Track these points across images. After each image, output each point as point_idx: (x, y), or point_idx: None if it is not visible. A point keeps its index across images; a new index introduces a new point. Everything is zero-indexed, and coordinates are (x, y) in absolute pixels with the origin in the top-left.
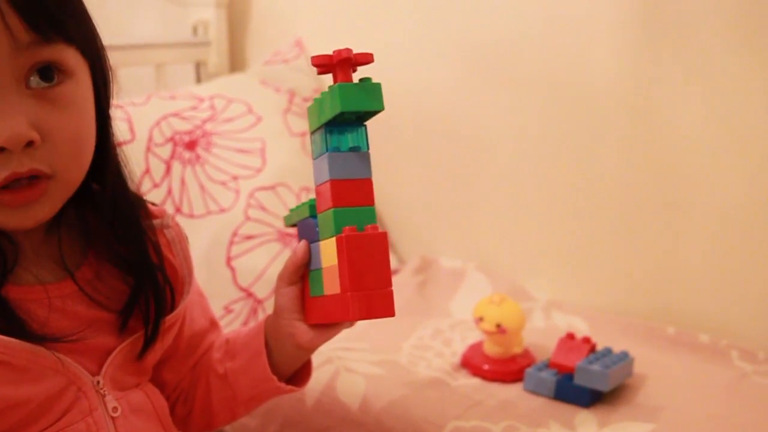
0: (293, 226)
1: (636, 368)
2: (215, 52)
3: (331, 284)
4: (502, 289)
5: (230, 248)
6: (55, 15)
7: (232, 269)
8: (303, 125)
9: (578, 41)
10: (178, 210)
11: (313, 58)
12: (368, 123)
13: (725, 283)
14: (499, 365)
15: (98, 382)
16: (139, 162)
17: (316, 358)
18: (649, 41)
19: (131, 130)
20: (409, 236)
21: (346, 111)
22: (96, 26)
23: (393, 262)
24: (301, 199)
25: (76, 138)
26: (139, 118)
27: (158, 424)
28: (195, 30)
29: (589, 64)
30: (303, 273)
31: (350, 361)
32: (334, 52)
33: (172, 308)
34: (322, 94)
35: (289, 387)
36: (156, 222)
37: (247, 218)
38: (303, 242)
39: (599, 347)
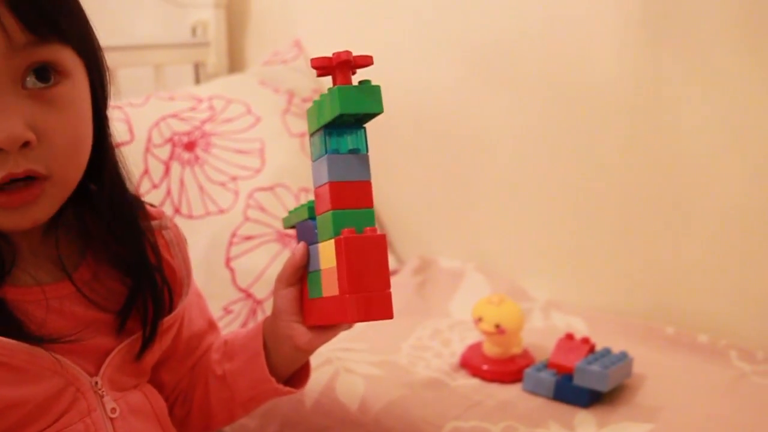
0: (292, 227)
1: (635, 368)
2: (214, 52)
3: (329, 286)
4: (501, 289)
5: (229, 249)
6: (51, 15)
7: (232, 270)
8: (302, 126)
9: (578, 41)
10: (177, 211)
11: (312, 60)
12: (367, 123)
13: (724, 283)
14: (498, 365)
15: (96, 383)
16: (138, 163)
17: (315, 358)
18: (649, 41)
19: (130, 131)
20: (408, 236)
21: (346, 113)
22: (93, 27)
23: (392, 263)
24: (300, 199)
25: (72, 138)
26: (138, 119)
27: (157, 424)
28: (194, 31)
29: (589, 63)
30: (302, 275)
31: (349, 361)
32: (333, 54)
33: (171, 309)
34: (321, 96)
35: (288, 388)
36: (154, 223)
37: (246, 219)
38: (302, 244)
39: (598, 347)
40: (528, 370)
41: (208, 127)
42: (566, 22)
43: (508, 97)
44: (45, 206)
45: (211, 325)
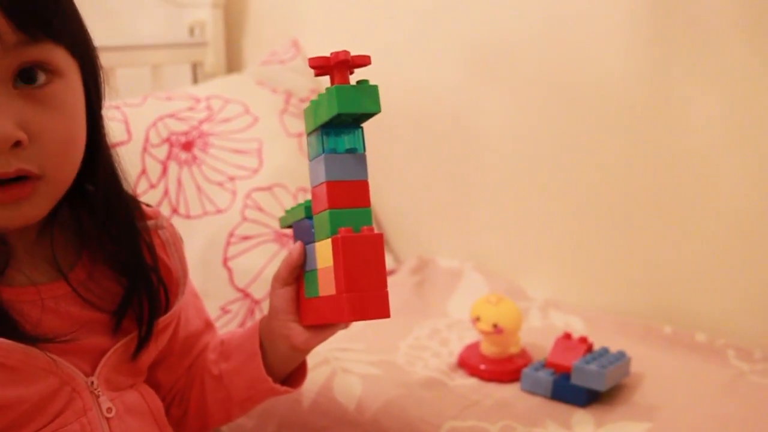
0: (289, 227)
1: (633, 368)
2: (212, 52)
3: (326, 285)
4: (499, 288)
5: (227, 249)
6: (43, 15)
7: (229, 270)
8: (300, 126)
9: (579, 40)
10: (174, 211)
11: (310, 59)
12: (366, 122)
13: (722, 282)
14: (496, 365)
15: (92, 383)
16: (136, 163)
17: (313, 358)
18: (649, 41)
19: (128, 131)
20: (406, 236)
21: (343, 113)
22: (90, 26)
23: (390, 262)
24: (297, 199)
25: (65, 138)
26: (136, 119)
27: (153, 424)
28: (192, 30)
29: (588, 63)
30: (298, 274)
31: (347, 361)
32: (331, 54)
33: (167, 309)
34: (319, 95)
35: (284, 388)
36: (150, 223)
37: (244, 219)
38: (298, 243)
39: (596, 347)
40: (526, 370)
41: (205, 127)
42: (568, 21)
43: (507, 97)
44: (37, 204)
45: (208, 325)
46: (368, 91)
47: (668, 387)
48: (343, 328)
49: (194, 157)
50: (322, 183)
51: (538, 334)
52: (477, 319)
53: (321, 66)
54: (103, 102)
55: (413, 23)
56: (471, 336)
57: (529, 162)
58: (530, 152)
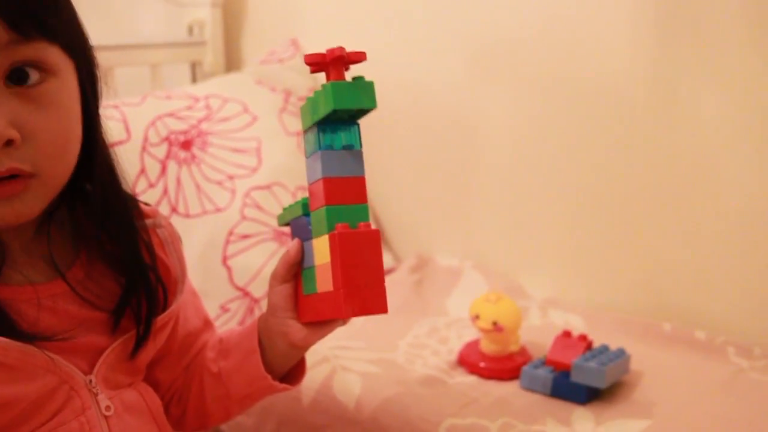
0: (286, 225)
1: (632, 365)
2: (211, 51)
3: (324, 282)
4: (498, 287)
5: (226, 247)
6: (37, 13)
7: (228, 268)
8: (298, 125)
9: (580, 40)
10: (173, 210)
11: (305, 56)
12: (366, 120)
13: (721, 279)
14: (495, 363)
15: (91, 381)
16: (135, 162)
17: (313, 356)
18: (651, 39)
19: (127, 130)
20: (405, 234)
21: (339, 109)
22: (89, 25)
23: (389, 261)
24: (297, 198)
25: (59, 137)
26: (135, 118)
27: (152, 422)
28: (191, 30)
29: (589, 62)
30: (296, 271)
31: (346, 359)
32: (327, 50)
33: (165, 308)
34: (315, 92)
35: (283, 385)
36: (148, 222)
37: (243, 217)
38: (296, 241)
39: (596, 344)
40: (525, 367)
41: (204, 126)
42: (569, 19)
43: (508, 95)
44: (29, 202)
45: (207, 324)
46: (364, 87)
47: (668, 384)
48: (341, 325)
49: (193, 156)
50: (318, 180)
51: (537, 332)
52: (476, 317)
53: (316, 62)
54: (100, 101)
55: (413, 22)
56: (470, 334)
57: (528, 160)
58: (530, 151)
